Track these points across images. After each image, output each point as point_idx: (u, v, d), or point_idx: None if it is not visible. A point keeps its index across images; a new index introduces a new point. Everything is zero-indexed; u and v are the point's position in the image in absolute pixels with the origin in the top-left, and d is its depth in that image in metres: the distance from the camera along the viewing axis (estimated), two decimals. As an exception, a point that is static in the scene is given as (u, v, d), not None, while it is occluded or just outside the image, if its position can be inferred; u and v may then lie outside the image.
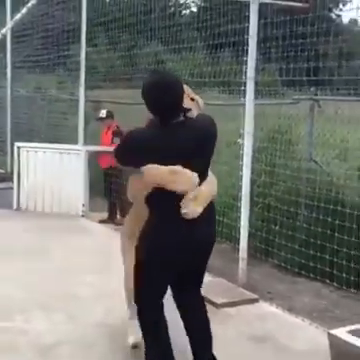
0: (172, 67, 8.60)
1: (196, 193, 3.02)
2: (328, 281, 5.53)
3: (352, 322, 4.13)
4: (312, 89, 6.01)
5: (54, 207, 8.45)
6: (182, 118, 3.05)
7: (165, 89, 2.98)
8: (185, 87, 3.18)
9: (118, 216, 8.38)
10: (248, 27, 4.98)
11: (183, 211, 3.00)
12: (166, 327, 3.26)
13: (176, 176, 2.96)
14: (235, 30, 6.09)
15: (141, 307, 3.24)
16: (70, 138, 9.36)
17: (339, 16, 24.97)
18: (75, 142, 8.89)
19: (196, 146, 3.02)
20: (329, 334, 3.49)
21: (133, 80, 8.95)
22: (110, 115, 8.42)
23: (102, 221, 8.23)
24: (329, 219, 5.53)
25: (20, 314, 4.40)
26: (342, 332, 3.46)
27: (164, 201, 3.05)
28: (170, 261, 3.12)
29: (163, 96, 2.97)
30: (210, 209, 3.16)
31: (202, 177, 3.07)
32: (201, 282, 3.41)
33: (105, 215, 8.45)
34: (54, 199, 8.45)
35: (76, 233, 7.18)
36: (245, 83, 5.03)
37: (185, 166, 2.97)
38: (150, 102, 3.03)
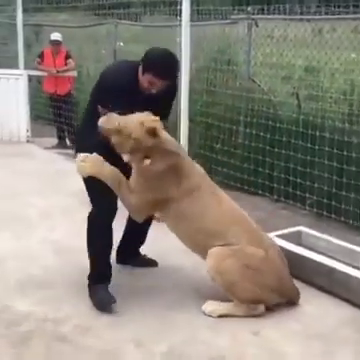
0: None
1: None
2: (267, 194, 5.77)
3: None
4: (249, 9, 5.96)
5: (-4, 134, 8.30)
6: None
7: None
8: None
9: (68, 142, 8.32)
10: None
11: None
12: None
13: None
14: None
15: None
16: (12, 63, 9.12)
17: None
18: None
19: None
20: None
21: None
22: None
23: (52, 147, 8.11)
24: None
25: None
26: (272, 236, 3.76)
27: None
28: None
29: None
30: None
31: None
32: None
33: (52, 141, 8.36)
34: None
35: (21, 158, 7.17)
36: (181, 2, 4.94)
37: None
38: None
